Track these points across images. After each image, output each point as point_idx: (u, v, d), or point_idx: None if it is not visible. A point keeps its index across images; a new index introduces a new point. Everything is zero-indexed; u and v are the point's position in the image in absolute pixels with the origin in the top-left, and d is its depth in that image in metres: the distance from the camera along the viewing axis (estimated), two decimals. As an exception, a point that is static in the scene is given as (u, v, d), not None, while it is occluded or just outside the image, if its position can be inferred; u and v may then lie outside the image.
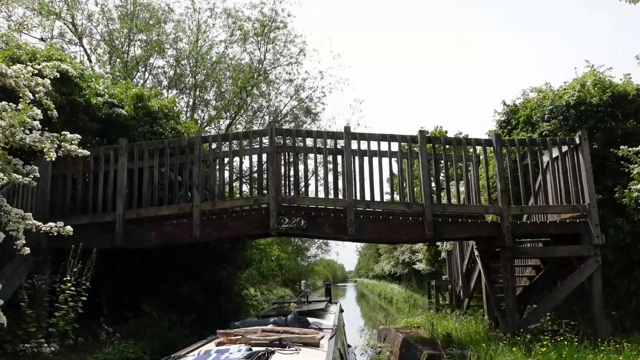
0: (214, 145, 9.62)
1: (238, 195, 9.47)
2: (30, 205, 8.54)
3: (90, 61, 20.12)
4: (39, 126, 4.45)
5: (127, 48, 21.62)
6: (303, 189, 9.27)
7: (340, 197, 9.11)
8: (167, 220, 9.14)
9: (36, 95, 5.64)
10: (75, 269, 7.03)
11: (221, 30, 22.71)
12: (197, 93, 21.74)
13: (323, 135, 9.34)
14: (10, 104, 4.41)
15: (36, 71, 5.58)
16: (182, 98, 21.57)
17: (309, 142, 10.75)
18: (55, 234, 4.74)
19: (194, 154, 9.16)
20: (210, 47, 22.17)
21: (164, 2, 22.88)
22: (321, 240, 34.20)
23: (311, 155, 9.54)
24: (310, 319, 6.74)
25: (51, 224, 4.58)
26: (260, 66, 22.18)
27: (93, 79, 11.10)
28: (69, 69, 10.16)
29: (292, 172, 9.51)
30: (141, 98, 11.28)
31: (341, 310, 9.43)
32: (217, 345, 4.74)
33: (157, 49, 21.00)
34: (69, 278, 6.88)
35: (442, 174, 9.40)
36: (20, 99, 5.23)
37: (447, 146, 9.66)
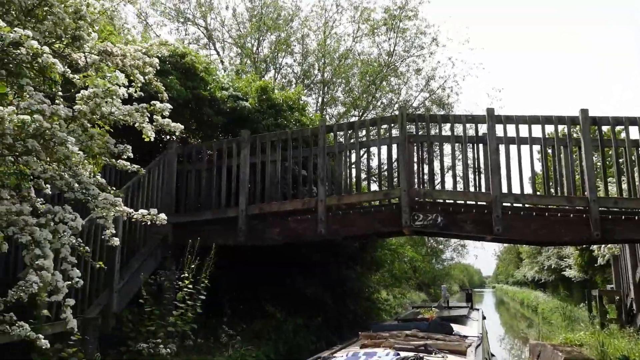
0: (339, 136, 8.86)
1: (366, 189, 8.58)
2: (156, 201, 8.40)
3: (222, 63, 20.59)
4: (125, 95, 3.88)
5: (256, 49, 21.90)
6: (439, 181, 8.13)
7: (483, 190, 7.82)
8: (291, 216, 8.52)
9: (146, 78, 5.20)
10: (192, 266, 6.59)
11: (348, 25, 22.15)
12: (326, 89, 21.33)
13: (462, 120, 8.11)
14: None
15: (144, 50, 5.11)
16: (310, 95, 21.32)
17: (445, 130, 9.56)
18: (149, 222, 4.17)
19: (318, 146, 8.44)
20: (338, 41, 21.66)
21: (291, 1, 22.85)
22: (457, 242, 32.27)
23: (447, 145, 8.39)
24: (453, 326, 6.48)
25: (142, 211, 4.01)
26: (390, 59, 21.20)
27: (218, 73, 10.92)
28: (194, 62, 10.04)
29: (426, 163, 8.41)
30: (265, 90, 10.87)
31: (484, 318, 8.94)
32: (361, 348, 4.77)
33: (285, 47, 20.94)
34: (186, 275, 6.44)
35: (608, 161, 7.71)
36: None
37: (618, 127, 7.92)
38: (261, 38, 21.46)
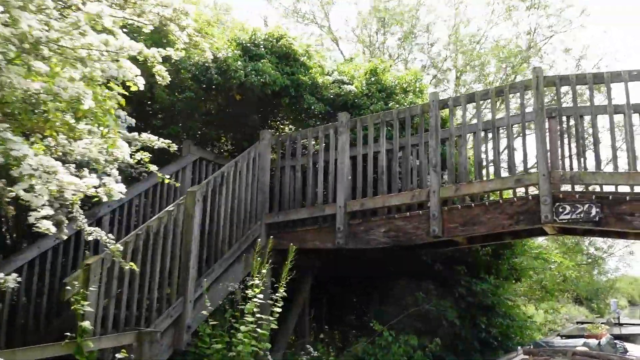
0: (457, 113, 7.20)
1: (492, 176, 6.79)
2: (245, 198, 7.42)
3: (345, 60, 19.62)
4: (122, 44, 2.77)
5: (381, 45, 20.63)
6: (592, 162, 6.05)
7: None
8: (398, 212, 7.03)
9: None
10: (263, 270, 5.41)
11: (480, 8, 19.94)
12: (458, 78, 19.31)
13: (623, 78, 5.99)
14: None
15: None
16: (439, 86, 19.46)
17: (597, 98, 7.41)
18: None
19: (430, 125, 6.86)
20: (467, 25, 19.57)
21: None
22: (624, 246, 27.58)
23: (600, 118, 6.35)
24: (627, 345, 5.92)
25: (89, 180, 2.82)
26: (531, 37, 18.57)
27: (322, 57, 9.79)
28: (292, 45, 9.01)
29: (572, 139, 6.43)
30: (375, 72, 9.48)
31: None
32: None
33: (411, 37, 19.37)
34: (257, 282, 5.26)
35: None
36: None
37: None
38: (385, 30, 20.11)
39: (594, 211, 5.82)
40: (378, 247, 7.06)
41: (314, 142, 8.13)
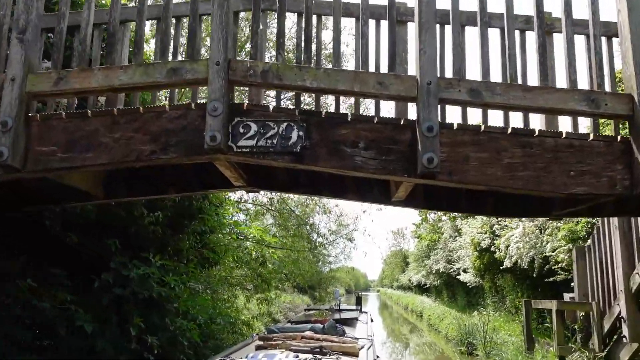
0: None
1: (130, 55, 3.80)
2: None
3: None
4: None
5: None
6: (301, 54, 3.47)
7: (400, 72, 3.42)
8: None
9: None
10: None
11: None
12: None
13: None
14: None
15: None
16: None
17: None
18: None
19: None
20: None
21: None
22: (345, 243, 27.89)
23: None
24: (345, 328, 6.65)
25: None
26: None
27: None
28: None
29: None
30: None
31: (372, 321, 9.13)
32: (257, 349, 4.85)
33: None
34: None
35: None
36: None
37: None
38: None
39: (294, 135, 3.28)
40: None
41: None
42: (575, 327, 7.95)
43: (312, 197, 17.71)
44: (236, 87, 4.12)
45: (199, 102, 3.42)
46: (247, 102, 3.58)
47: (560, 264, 12.33)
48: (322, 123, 3.31)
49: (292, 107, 3.63)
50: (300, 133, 3.26)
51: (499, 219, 18.00)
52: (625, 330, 6.52)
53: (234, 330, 10.48)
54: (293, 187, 4.45)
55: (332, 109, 4.25)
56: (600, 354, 7.03)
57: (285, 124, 3.28)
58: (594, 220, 11.44)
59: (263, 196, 17.46)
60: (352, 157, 3.25)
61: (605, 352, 7.06)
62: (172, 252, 6.28)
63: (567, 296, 9.04)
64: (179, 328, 5.86)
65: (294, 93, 4.63)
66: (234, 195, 19.47)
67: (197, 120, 3.31)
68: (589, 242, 8.36)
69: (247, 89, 4.26)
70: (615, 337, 7.19)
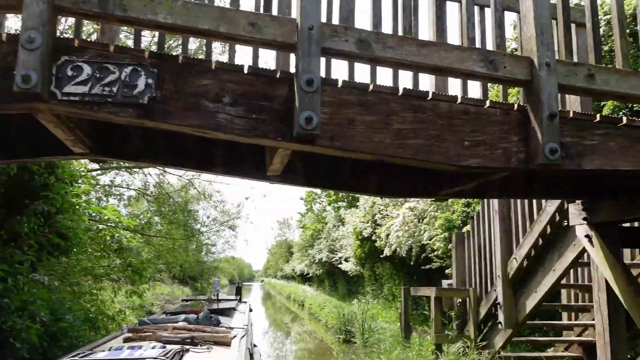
0: None
1: None
2: None
3: None
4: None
5: None
6: None
7: (275, 11, 2.86)
8: None
9: None
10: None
11: None
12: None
13: None
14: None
15: None
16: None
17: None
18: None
19: None
20: None
21: None
22: (228, 232, 26.88)
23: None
24: (221, 318, 6.72)
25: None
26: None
27: None
28: None
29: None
30: None
31: (250, 310, 9.25)
32: (125, 342, 4.71)
33: None
34: None
35: None
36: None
37: None
38: None
39: (141, 82, 2.58)
40: None
41: None
42: (452, 314, 8.01)
43: (170, 170, 16.26)
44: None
45: (10, 32, 2.62)
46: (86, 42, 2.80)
47: (436, 252, 12.66)
48: (178, 70, 2.65)
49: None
50: (150, 81, 2.58)
51: (382, 207, 18.34)
52: (500, 317, 6.58)
53: (94, 327, 9.48)
54: (149, 155, 3.71)
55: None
56: (475, 340, 7.06)
57: (130, 67, 2.57)
58: (469, 210, 11.88)
59: (139, 180, 16.16)
60: (215, 114, 2.62)
61: (480, 338, 7.12)
62: (7, 236, 5.21)
63: (445, 283, 9.13)
64: (12, 327, 4.85)
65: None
66: (105, 179, 17.83)
67: (9, 56, 2.51)
68: (468, 227, 8.43)
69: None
70: (490, 323, 7.30)
